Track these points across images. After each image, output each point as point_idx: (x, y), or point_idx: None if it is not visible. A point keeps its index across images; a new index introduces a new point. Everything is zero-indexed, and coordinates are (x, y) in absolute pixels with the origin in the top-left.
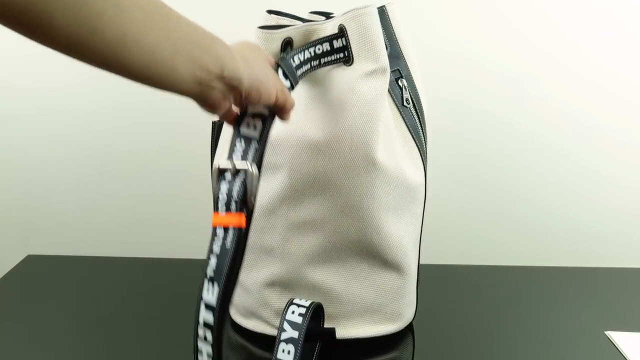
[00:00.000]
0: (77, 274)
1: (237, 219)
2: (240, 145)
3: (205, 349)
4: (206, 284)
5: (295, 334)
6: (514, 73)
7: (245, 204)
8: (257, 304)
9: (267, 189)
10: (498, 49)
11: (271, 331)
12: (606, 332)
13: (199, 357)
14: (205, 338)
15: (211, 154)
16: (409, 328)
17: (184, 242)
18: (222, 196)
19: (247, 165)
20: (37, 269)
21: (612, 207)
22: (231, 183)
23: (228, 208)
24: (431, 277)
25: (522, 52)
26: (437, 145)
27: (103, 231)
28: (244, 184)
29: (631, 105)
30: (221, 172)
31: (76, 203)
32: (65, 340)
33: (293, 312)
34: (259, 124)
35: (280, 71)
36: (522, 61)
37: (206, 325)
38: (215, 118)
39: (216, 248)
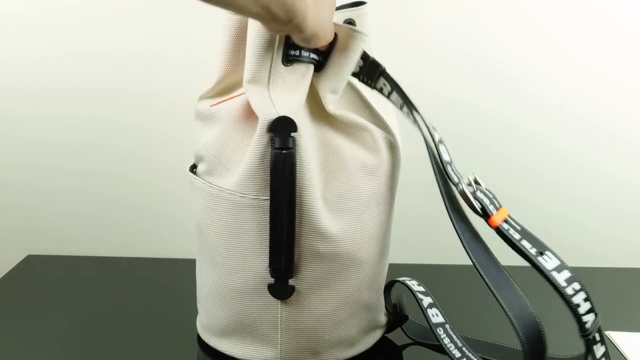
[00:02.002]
0: (77, 274)
1: (506, 210)
2: (451, 171)
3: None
4: (542, 257)
5: (430, 300)
6: (513, 71)
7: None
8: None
9: None
10: (497, 45)
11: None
12: (606, 332)
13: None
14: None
15: None
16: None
17: (183, 243)
18: (487, 201)
19: (473, 176)
20: (37, 269)
21: (613, 207)
22: (482, 191)
23: (496, 206)
24: (431, 277)
25: (521, 49)
26: None
27: (103, 231)
28: (485, 189)
29: (634, 104)
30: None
31: (77, 203)
32: (65, 340)
33: (414, 285)
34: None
35: None
36: (522, 59)
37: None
38: None
39: (516, 235)
